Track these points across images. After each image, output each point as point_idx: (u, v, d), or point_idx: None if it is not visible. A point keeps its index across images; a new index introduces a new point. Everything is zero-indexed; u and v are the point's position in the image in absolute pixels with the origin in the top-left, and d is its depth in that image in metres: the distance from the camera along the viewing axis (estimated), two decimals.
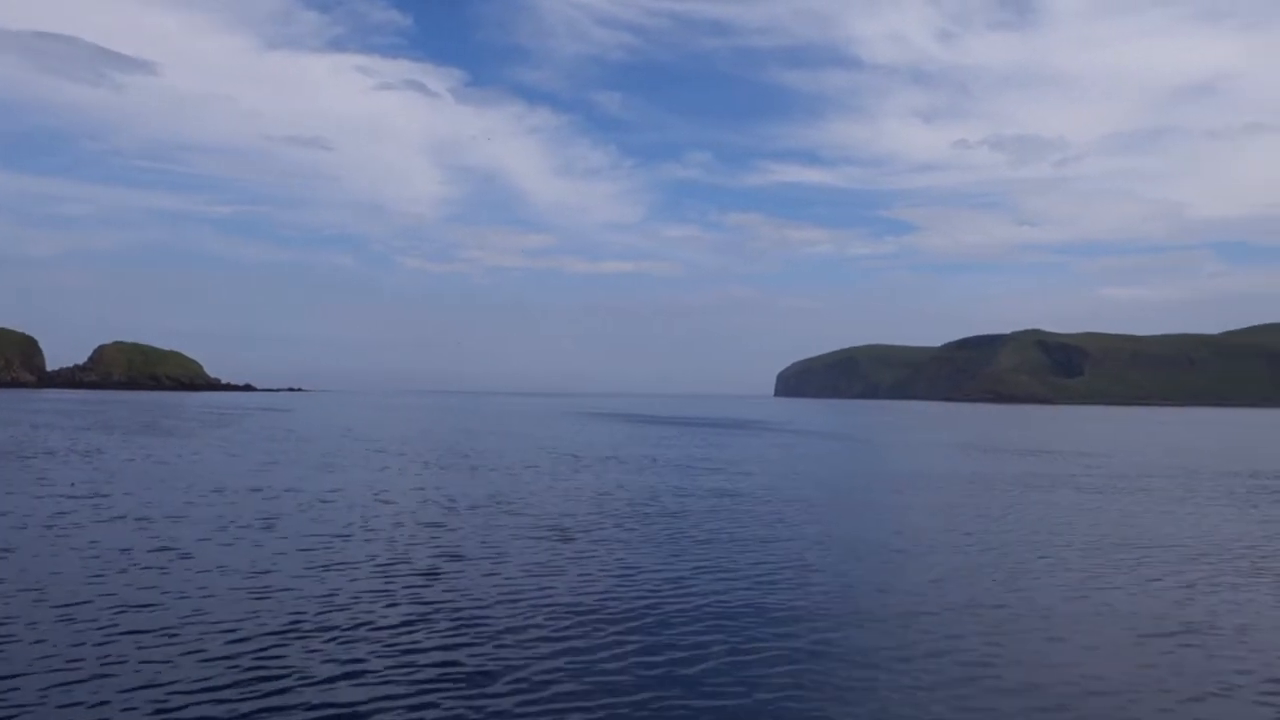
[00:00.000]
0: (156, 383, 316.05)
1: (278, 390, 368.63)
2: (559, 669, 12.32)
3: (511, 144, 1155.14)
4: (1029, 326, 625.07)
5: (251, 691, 11.18)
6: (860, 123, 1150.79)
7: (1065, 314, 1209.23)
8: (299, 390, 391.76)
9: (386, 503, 29.28)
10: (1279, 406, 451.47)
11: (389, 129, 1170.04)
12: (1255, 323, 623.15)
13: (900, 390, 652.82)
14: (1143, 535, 25.61)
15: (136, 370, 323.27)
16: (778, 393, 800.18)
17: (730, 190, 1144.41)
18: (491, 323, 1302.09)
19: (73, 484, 32.57)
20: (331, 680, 11.68)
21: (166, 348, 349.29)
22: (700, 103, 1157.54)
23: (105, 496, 29.31)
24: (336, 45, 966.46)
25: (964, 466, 50.26)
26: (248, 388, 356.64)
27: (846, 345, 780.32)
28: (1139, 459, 59.04)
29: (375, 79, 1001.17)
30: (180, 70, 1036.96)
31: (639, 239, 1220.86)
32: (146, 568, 18.38)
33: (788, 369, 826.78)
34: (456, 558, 20.11)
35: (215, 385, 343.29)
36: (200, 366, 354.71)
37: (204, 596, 15.92)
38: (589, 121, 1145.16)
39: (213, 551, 20.24)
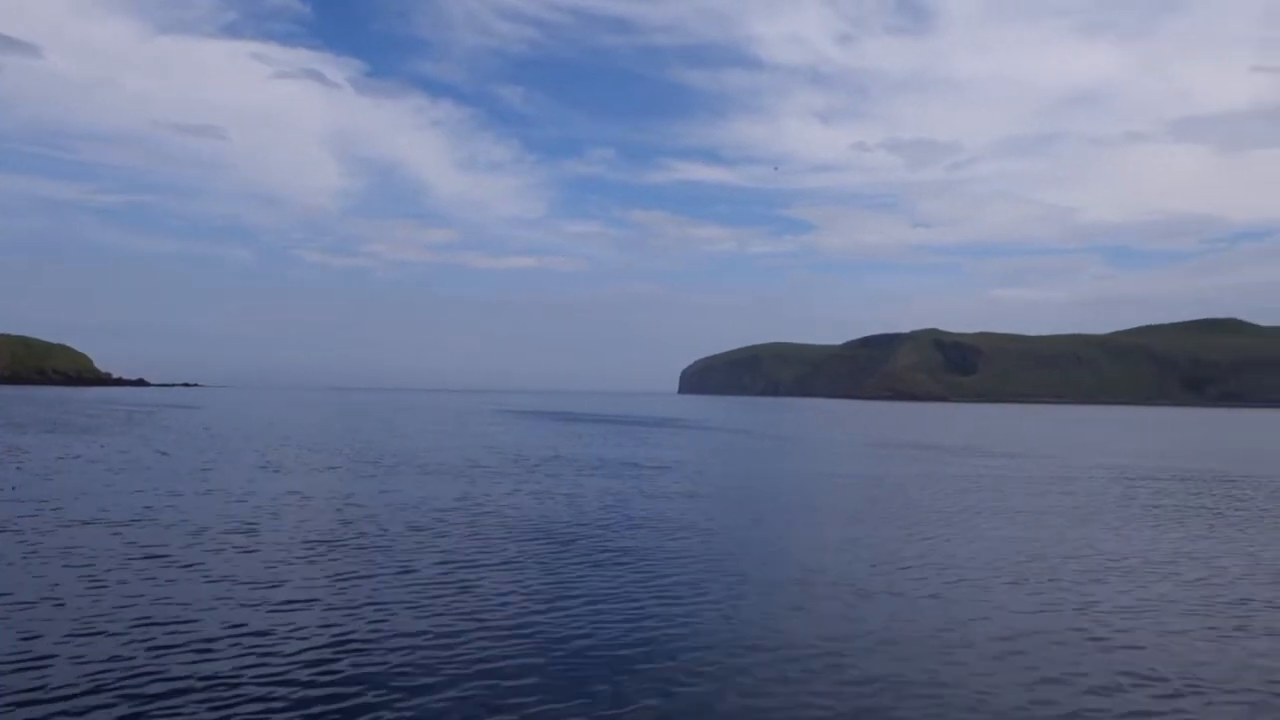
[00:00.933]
0: (43, 377, 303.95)
1: (173, 386, 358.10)
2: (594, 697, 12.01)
3: (413, 137, 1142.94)
4: (926, 326, 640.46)
5: None
6: (761, 122, 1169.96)
7: (961, 313, 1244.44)
8: (195, 386, 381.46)
9: (358, 505, 28.39)
10: (1161, 405, 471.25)
11: (286, 118, 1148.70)
12: (1140, 324, 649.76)
13: (801, 387, 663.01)
14: (1105, 546, 26.22)
15: (21, 364, 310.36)
16: (681, 390, 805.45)
17: (633, 187, 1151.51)
18: (395, 318, 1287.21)
19: (14, 487, 30.93)
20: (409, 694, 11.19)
21: (52, 340, 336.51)
22: (603, 99, 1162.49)
23: (48, 500, 27.77)
24: (231, 31, 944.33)
25: (910, 468, 50.99)
26: (140, 383, 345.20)
27: (749, 343, 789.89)
28: (1068, 458, 60.60)
29: (272, 67, 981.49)
30: (65, 53, 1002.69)
31: (543, 235, 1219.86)
32: (150, 578, 17.40)
33: (691, 366, 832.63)
34: (463, 565, 19.53)
35: (106, 380, 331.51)
36: (90, 361, 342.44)
37: (232, 608, 15.12)
38: (492, 116, 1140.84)
39: (210, 560, 19.26)
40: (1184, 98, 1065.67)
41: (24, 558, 19.19)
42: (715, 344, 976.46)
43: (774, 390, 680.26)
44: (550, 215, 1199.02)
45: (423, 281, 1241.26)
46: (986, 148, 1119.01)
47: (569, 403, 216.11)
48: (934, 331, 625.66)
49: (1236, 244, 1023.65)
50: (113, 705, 10.73)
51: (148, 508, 26.84)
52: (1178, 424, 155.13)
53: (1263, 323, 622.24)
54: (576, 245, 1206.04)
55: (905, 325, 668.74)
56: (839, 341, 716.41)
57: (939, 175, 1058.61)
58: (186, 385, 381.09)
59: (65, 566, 18.36)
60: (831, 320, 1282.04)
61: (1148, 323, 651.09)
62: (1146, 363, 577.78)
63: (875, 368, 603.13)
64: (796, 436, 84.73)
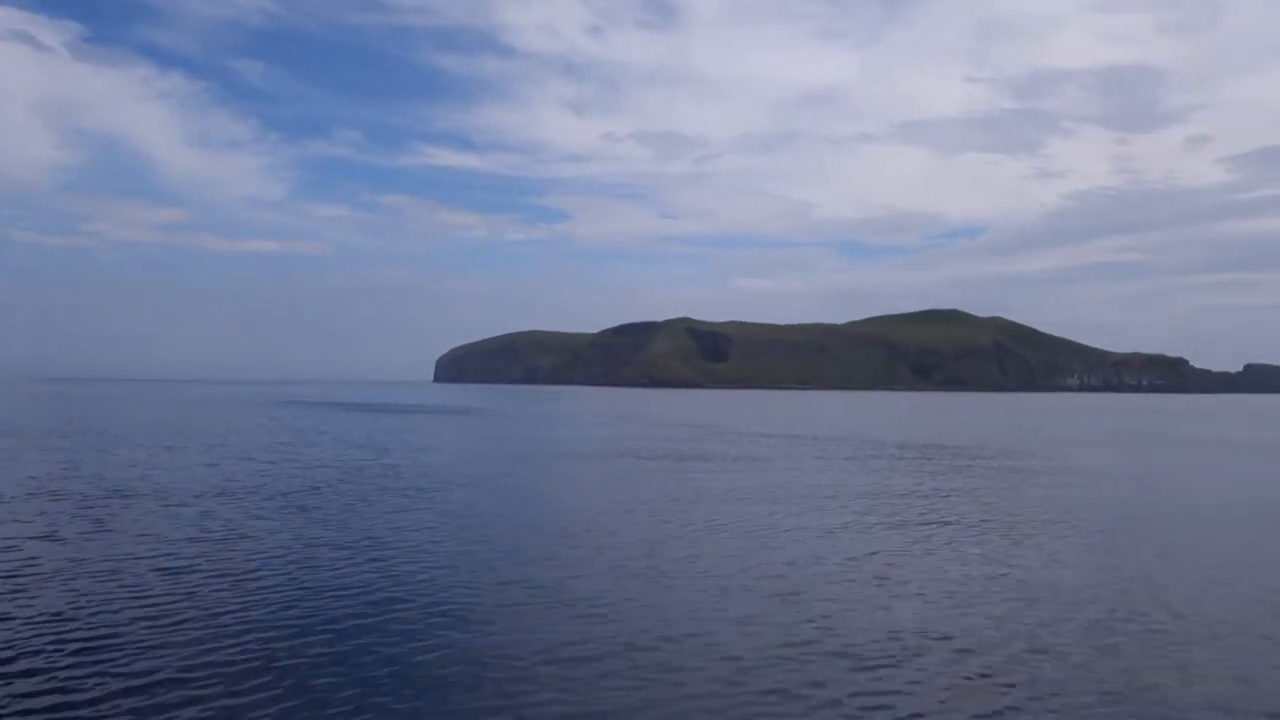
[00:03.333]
0: None
1: None
2: None
3: (139, 109, 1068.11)
4: (680, 315, 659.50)
5: None
6: (513, 110, 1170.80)
7: (711, 303, 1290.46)
8: None
9: (362, 518, 26.80)
10: (892, 390, 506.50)
11: None
12: (873, 314, 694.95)
13: (559, 375, 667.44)
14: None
15: None
16: (437, 378, 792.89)
17: (382, 170, 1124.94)
18: (123, 303, 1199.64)
19: None
20: None
21: None
22: (351, 79, 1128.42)
23: None
24: None
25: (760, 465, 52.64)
26: None
27: (505, 331, 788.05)
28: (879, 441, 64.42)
29: None
30: None
31: (285, 217, 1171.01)
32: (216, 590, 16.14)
33: (447, 354, 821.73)
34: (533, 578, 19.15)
35: None
36: None
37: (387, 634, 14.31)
38: (228, 90, 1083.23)
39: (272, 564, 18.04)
40: (908, 103, 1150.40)
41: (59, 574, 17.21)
42: (471, 331, 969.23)
43: (532, 378, 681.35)
44: (293, 197, 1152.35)
45: (153, 264, 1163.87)
46: (731, 143, 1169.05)
47: (316, 393, 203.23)
48: (687, 320, 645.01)
49: (953, 240, 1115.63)
50: None
51: (111, 513, 24.29)
52: (897, 406, 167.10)
53: (979, 314, 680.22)
54: (323, 229, 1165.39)
55: (660, 314, 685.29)
56: (595, 330, 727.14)
57: (687, 168, 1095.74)
58: None
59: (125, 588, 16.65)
60: (588, 308, 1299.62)
61: (879, 313, 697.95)
62: (880, 351, 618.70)
63: (632, 356, 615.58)
64: (632, 432, 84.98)
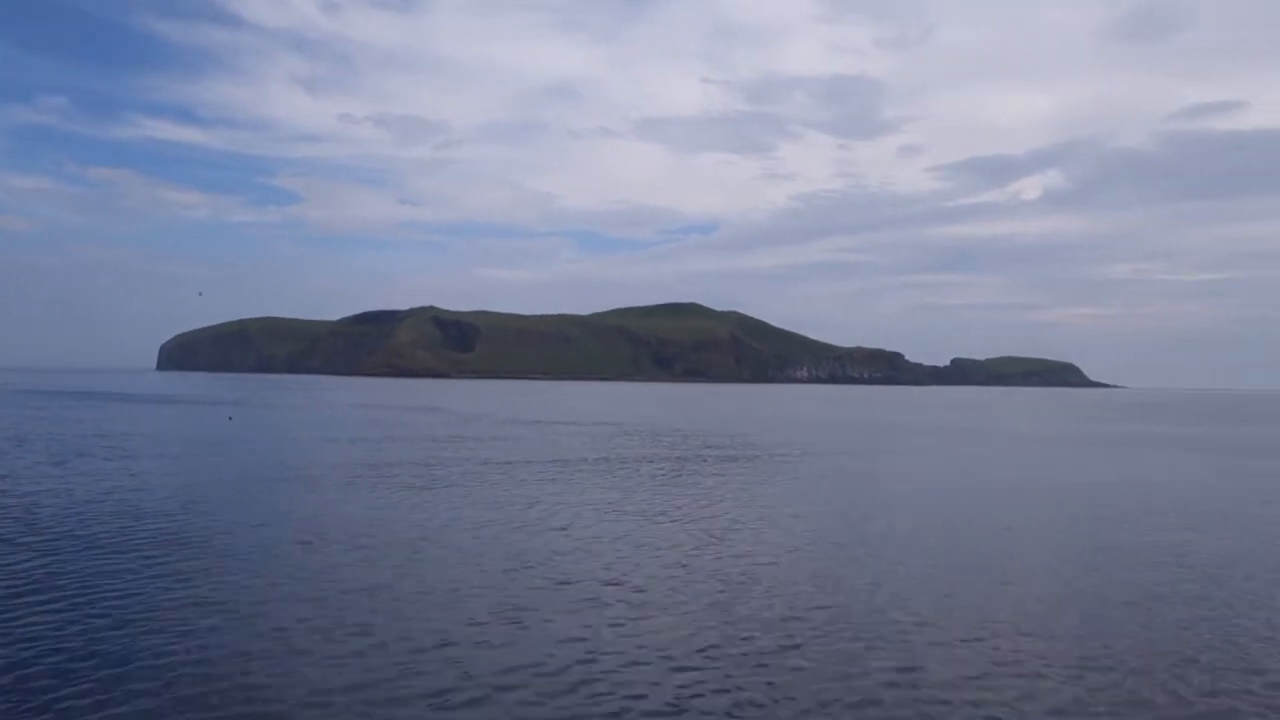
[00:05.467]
0: None
1: None
2: None
3: None
4: (424, 303, 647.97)
5: None
6: (241, 84, 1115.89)
7: (458, 292, 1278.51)
8: None
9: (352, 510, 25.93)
10: (635, 380, 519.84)
11: None
12: (614, 306, 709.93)
13: (296, 364, 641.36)
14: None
15: None
16: (161, 366, 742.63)
17: (93, 142, 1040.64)
18: None
19: None
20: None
21: None
22: (56, 41, 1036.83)
23: None
24: None
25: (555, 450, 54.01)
26: None
27: (236, 317, 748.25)
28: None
29: None
30: None
31: None
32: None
33: (171, 340, 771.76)
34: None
35: None
36: None
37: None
38: None
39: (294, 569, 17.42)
40: (647, 100, 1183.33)
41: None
42: (198, 317, 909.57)
43: (267, 366, 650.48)
44: None
45: None
46: (473, 130, 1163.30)
47: (79, 382, 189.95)
48: (433, 309, 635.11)
49: (688, 235, 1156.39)
50: None
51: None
52: (657, 396, 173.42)
53: (717, 307, 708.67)
54: (21, 203, 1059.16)
55: (404, 302, 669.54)
56: (335, 317, 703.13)
57: (428, 154, 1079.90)
58: None
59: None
60: (327, 295, 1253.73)
61: (620, 305, 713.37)
62: (624, 342, 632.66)
63: (375, 344, 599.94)
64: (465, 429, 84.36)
